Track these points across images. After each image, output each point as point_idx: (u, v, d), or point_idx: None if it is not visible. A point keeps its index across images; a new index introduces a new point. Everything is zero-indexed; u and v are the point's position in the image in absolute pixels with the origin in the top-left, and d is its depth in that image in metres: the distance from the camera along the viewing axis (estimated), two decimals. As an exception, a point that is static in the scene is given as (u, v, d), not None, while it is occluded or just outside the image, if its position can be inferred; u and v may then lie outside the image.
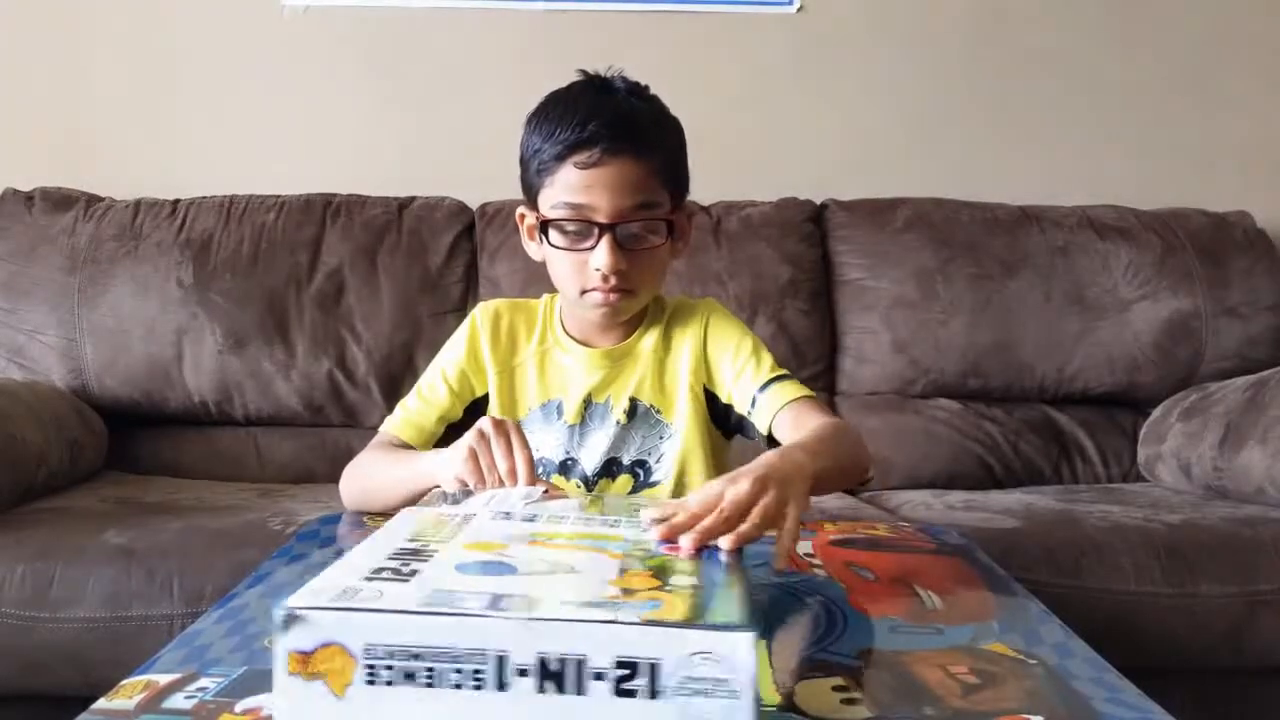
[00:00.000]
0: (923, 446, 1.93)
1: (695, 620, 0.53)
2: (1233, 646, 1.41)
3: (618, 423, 1.15)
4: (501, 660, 0.51)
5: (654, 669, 0.51)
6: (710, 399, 1.17)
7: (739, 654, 0.51)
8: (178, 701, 0.60)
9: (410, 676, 0.51)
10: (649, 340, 1.18)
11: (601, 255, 1.05)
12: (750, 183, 2.10)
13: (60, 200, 1.99)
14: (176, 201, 2.00)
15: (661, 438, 1.16)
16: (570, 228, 1.06)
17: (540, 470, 1.15)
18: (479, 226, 2.02)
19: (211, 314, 1.88)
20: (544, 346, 1.18)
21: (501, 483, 0.94)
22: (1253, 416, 1.71)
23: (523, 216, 1.16)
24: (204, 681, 0.63)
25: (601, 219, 1.04)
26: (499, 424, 0.98)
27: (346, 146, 2.19)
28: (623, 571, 0.62)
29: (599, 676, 0.51)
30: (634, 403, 1.16)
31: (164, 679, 0.63)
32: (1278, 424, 1.65)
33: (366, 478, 1.15)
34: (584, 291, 1.09)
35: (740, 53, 2.22)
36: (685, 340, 1.18)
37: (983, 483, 1.92)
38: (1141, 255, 2.00)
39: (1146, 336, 1.97)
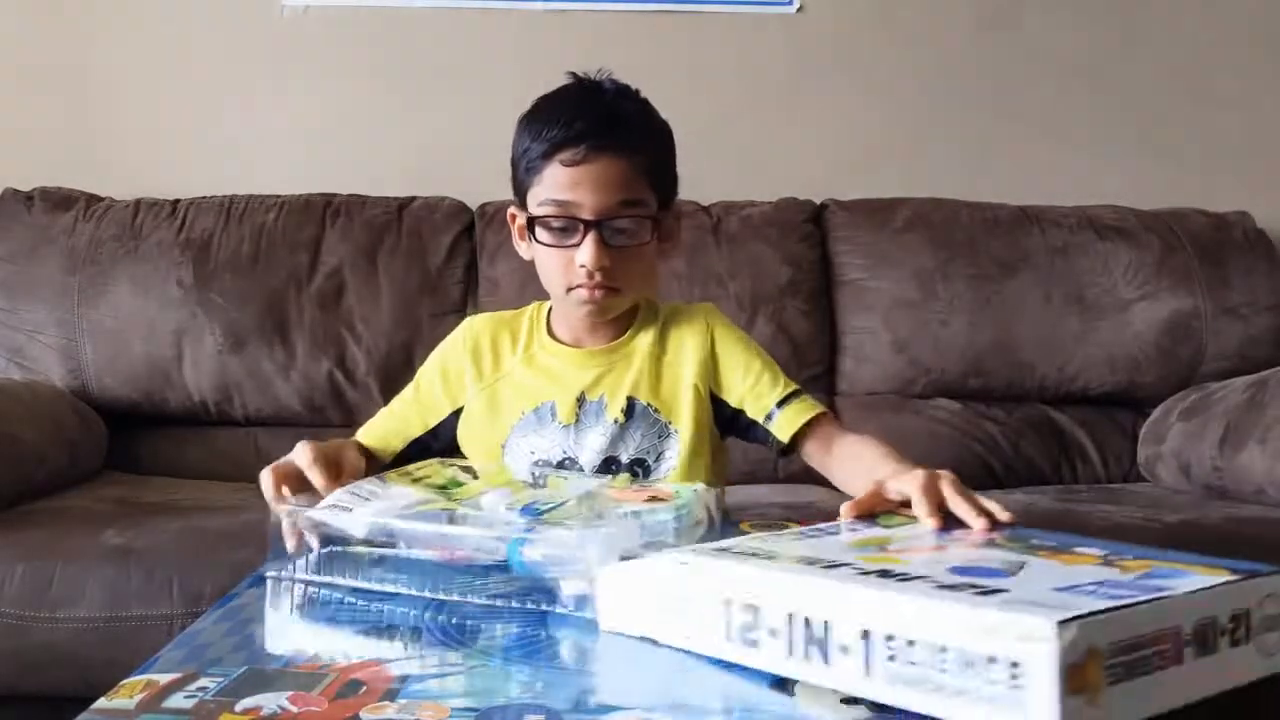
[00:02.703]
0: (923, 446, 1.92)
1: (1234, 573, 0.64)
2: (1233, 646, 1.41)
3: (615, 421, 1.15)
4: (1178, 635, 0.57)
5: (1248, 616, 0.62)
6: (715, 402, 1.18)
7: None
8: (178, 701, 0.60)
9: (1131, 669, 0.54)
10: (644, 340, 1.18)
11: (586, 252, 1.06)
12: (750, 183, 2.10)
13: (60, 200, 1.99)
14: (176, 201, 2.00)
15: (661, 437, 1.16)
16: (556, 224, 1.08)
17: (539, 472, 1.15)
18: (479, 226, 2.02)
19: (211, 314, 1.88)
20: (530, 352, 1.18)
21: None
22: (1253, 416, 1.71)
23: (513, 217, 1.17)
24: (204, 681, 0.63)
25: (586, 215, 1.06)
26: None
27: (346, 146, 2.19)
28: (1040, 552, 0.71)
29: (1223, 632, 0.60)
30: (631, 401, 1.16)
31: (164, 679, 0.63)
32: (1278, 424, 1.65)
33: None
34: (570, 289, 1.10)
35: (740, 53, 2.22)
36: (686, 343, 1.18)
37: (983, 483, 1.91)
38: (1141, 255, 2.00)
39: (1146, 336, 1.97)
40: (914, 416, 1.97)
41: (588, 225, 1.06)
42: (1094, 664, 0.52)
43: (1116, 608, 0.55)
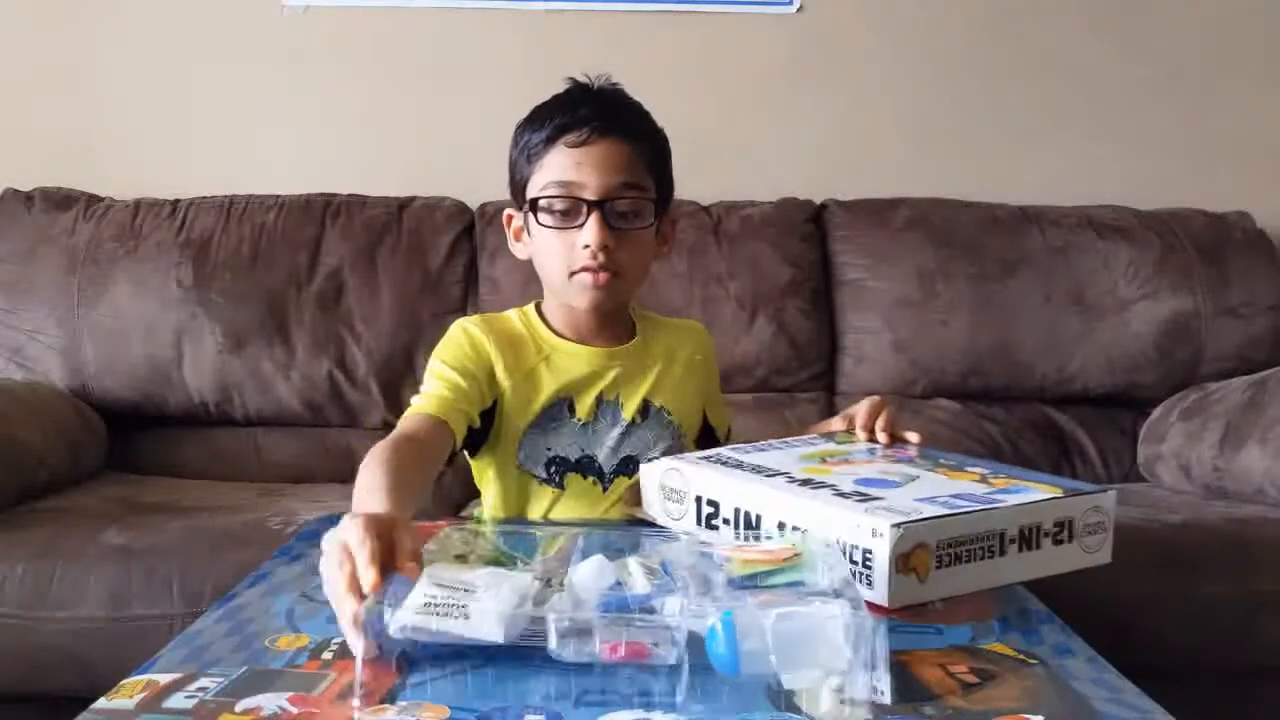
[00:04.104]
0: (923, 446, 1.93)
1: (1064, 491, 0.86)
2: (1233, 646, 1.41)
3: (632, 421, 1.16)
4: (1002, 535, 0.80)
5: (1071, 523, 0.85)
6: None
7: (1110, 504, 0.88)
8: (178, 701, 0.60)
9: (955, 557, 0.78)
10: (655, 344, 1.20)
11: (590, 231, 1.06)
12: (750, 183, 2.11)
13: (60, 200, 1.99)
14: (176, 201, 2.00)
15: (674, 439, 1.18)
16: (559, 206, 1.08)
17: (554, 469, 1.15)
18: (479, 226, 2.02)
19: (211, 314, 1.88)
20: (543, 352, 1.18)
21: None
22: (1253, 416, 1.71)
23: (510, 218, 1.18)
24: (204, 681, 0.63)
25: (590, 196, 1.07)
26: (361, 535, 0.70)
27: (346, 146, 2.19)
28: (937, 469, 0.94)
29: (1046, 534, 0.83)
30: (647, 404, 1.17)
31: (164, 679, 0.63)
32: (1278, 424, 1.65)
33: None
34: (573, 273, 1.09)
35: (740, 53, 2.22)
36: (690, 355, 1.22)
37: (983, 483, 1.92)
38: (1141, 255, 2.00)
39: (1146, 336, 1.97)
40: (914, 417, 1.97)
41: (591, 205, 1.06)
42: (922, 553, 0.76)
43: (945, 515, 0.78)
